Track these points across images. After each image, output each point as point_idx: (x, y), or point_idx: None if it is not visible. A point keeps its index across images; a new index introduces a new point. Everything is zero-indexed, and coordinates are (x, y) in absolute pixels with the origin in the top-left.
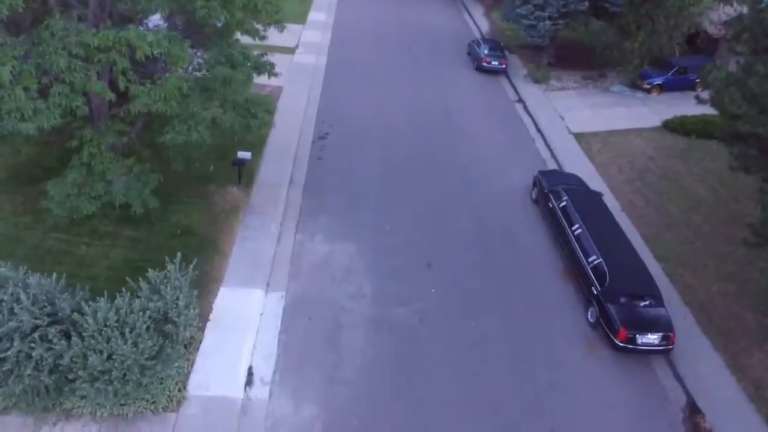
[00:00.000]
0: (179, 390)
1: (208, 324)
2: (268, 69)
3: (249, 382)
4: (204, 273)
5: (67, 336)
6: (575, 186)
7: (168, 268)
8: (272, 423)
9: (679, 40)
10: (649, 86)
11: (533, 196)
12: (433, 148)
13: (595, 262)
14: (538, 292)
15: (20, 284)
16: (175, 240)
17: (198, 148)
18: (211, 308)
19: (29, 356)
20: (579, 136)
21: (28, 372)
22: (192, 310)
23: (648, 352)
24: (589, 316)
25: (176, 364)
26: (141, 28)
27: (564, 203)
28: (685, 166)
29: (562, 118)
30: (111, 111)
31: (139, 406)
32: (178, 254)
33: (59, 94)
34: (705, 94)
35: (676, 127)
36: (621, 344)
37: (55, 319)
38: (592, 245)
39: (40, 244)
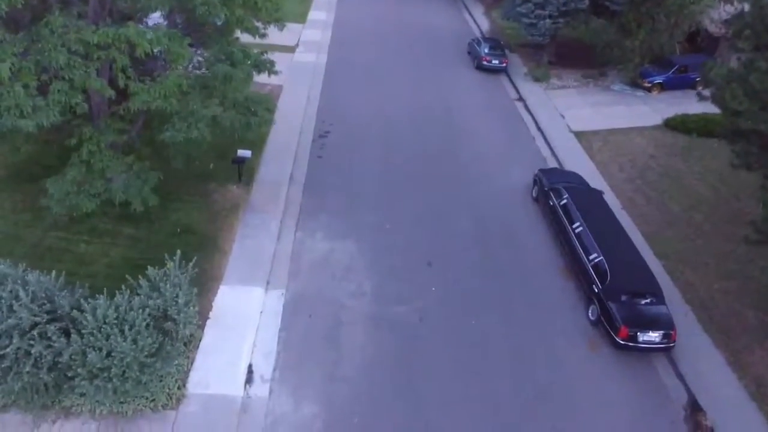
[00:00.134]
0: (179, 388)
1: (208, 322)
2: (268, 67)
3: (249, 379)
4: (204, 271)
5: (67, 333)
6: (576, 184)
7: (168, 265)
8: (272, 421)
9: (679, 38)
10: (649, 85)
11: (534, 195)
12: (434, 147)
13: (596, 260)
14: (538, 291)
15: (19, 281)
16: (175, 238)
17: (198, 146)
18: (211, 306)
19: (28, 353)
20: (579, 135)
21: (27, 369)
22: (192, 308)
23: (649, 350)
24: (590, 314)
25: (176, 362)
26: (141, 26)
27: (565, 201)
28: (686, 165)
29: (563, 117)
30: (111, 109)
31: (138, 404)
32: (178, 252)
33: (59, 91)
34: (707, 92)
35: (677, 125)
36: (622, 342)
37: (54, 316)
38: (592, 243)
39: (39, 242)
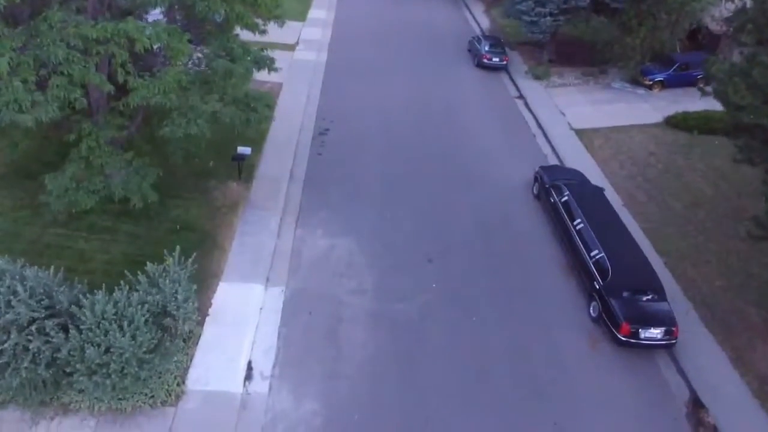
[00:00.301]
0: (178, 384)
1: (208, 319)
2: (268, 63)
3: (248, 376)
4: (203, 268)
5: (65, 329)
6: (577, 181)
7: (167, 261)
8: (272, 417)
9: (680, 36)
10: (650, 82)
11: (534, 191)
12: (434, 144)
13: (597, 257)
14: (539, 288)
15: (17, 277)
16: (174, 235)
17: (197, 141)
18: (211, 303)
19: (26, 349)
20: (580, 132)
21: (25, 365)
22: (191, 304)
23: (651, 347)
24: (591, 311)
25: (175, 358)
26: (140, 22)
27: (565, 198)
28: (686, 162)
29: (563, 114)
30: (110, 104)
31: (137, 401)
32: (177, 248)
33: (57, 86)
34: (709, 88)
35: (678, 122)
36: (624, 339)
37: (52, 312)
38: (594, 240)
39: (38, 238)
